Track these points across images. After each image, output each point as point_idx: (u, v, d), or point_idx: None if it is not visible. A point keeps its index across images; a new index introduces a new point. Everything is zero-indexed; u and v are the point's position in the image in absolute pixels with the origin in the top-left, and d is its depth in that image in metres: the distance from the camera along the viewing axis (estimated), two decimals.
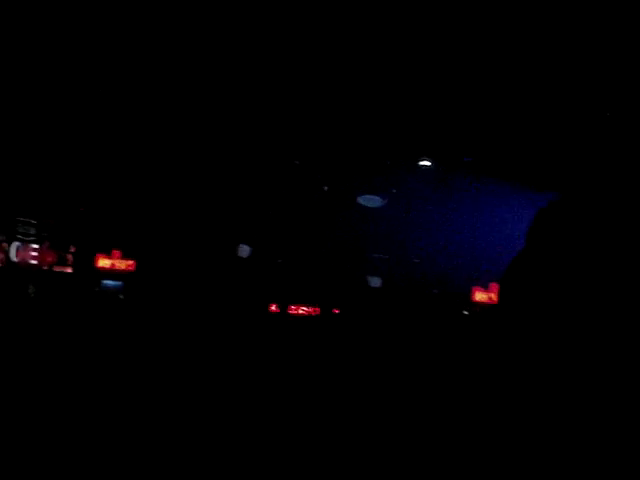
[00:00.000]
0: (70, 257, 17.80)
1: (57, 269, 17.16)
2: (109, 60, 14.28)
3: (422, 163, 19.37)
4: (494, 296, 17.89)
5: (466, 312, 18.38)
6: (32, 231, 16.09)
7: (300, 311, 18.15)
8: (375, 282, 20.17)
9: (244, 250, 19.32)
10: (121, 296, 17.75)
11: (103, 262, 18.65)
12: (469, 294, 18.42)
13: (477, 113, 15.05)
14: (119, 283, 18.55)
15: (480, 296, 18.31)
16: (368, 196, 19.94)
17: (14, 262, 15.22)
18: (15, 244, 15.38)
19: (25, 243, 15.76)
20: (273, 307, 18.50)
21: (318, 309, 18.59)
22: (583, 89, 13.02)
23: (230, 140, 18.93)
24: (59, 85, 14.96)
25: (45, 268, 16.60)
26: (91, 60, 14.21)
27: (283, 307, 17.82)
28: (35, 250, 16.16)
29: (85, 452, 3.91)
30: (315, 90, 15.09)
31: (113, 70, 14.81)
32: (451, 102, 14.84)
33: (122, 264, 18.79)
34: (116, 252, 18.82)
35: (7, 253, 15.22)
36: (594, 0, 10.72)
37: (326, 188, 20.24)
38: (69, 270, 17.71)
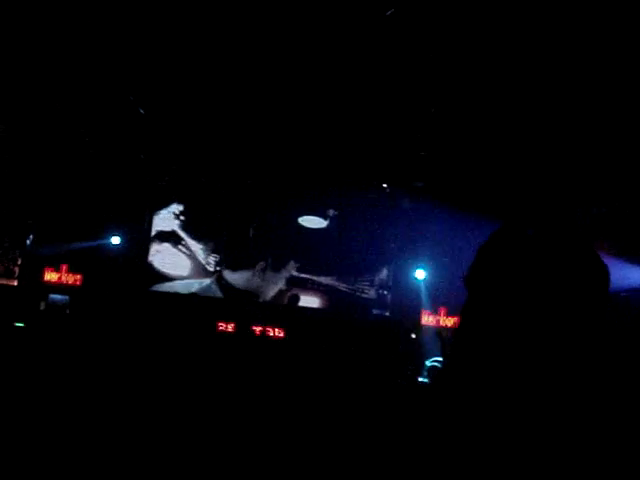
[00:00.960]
0: (16, 270, 17.52)
1: (2, 282, 16.85)
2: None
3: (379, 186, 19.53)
4: (442, 319, 18.15)
5: (414, 335, 18.56)
6: None
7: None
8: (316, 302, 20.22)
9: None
10: (67, 311, 17.48)
11: (50, 275, 18.40)
12: (418, 317, 18.61)
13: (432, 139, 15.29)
14: (66, 297, 18.28)
15: (427, 319, 18.51)
16: (310, 217, 20.02)
17: None
18: None
19: None
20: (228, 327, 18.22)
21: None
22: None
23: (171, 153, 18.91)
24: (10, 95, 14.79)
25: None
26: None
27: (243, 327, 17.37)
28: None
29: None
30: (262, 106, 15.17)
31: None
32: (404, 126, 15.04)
33: (69, 278, 18.56)
34: (64, 265, 18.59)
35: None
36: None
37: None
38: (14, 283, 17.42)
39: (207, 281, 20.01)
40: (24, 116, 15.66)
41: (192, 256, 20.11)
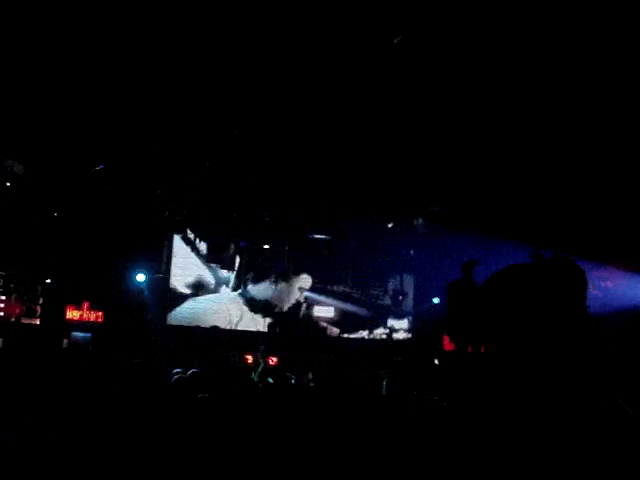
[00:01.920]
0: (38, 309, 17.65)
1: (25, 321, 16.98)
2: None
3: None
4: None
5: (437, 361, 18.43)
6: None
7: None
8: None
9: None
10: (90, 347, 17.56)
11: (72, 313, 18.53)
12: (440, 342, 18.50)
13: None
14: (88, 335, 18.40)
15: (450, 345, 18.41)
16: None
17: None
18: None
19: None
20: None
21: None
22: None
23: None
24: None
25: (12, 320, 16.41)
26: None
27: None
28: (2, 302, 15.98)
29: None
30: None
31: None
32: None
33: (91, 315, 18.68)
34: (85, 303, 18.73)
35: None
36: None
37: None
38: (37, 322, 17.54)
39: (232, 294, 20.63)
40: (44, 155, 15.86)
41: (214, 275, 20.63)
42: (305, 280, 20.61)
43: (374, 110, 13.30)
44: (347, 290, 20.70)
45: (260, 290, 20.76)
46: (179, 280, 20.59)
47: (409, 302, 20.58)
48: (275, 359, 17.95)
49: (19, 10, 10.81)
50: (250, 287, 20.75)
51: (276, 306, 20.62)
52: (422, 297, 19.89)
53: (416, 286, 20.40)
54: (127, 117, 14.59)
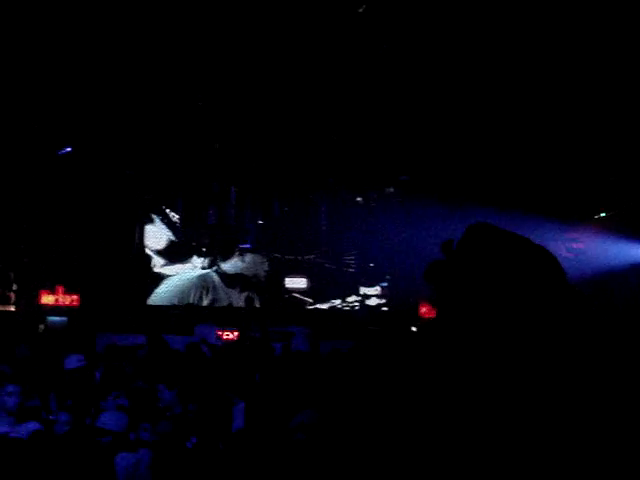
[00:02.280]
0: (12, 295, 17.51)
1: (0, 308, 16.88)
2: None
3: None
4: None
5: (414, 328, 18.56)
6: None
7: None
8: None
9: None
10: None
11: (47, 298, 18.40)
12: (416, 309, 18.62)
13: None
14: (64, 319, 18.30)
15: (424, 310, 18.53)
16: None
17: None
18: None
19: None
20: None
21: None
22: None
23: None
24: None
25: None
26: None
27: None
28: None
29: None
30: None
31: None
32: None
33: (66, 299, 18.56)
34: (59, 287, 18.60)
35: None
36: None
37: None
38: (12, 308, 17.41)
39: (206, 271, 20.74)
40: (11, 135, 15.68)
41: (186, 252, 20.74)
42: (274, 251, 20.70)
43: (345, 80, 13.29)
44: (319, 260, 20.73)
45: (231, 265, 20.83)
46: (155, 259, 20.62)
47: (380, 269, 20.60)
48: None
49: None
50: (221, 264, 20.81)
51: (251, 278, 20.67)
52: (395, 264, 19.94)
53: (388, 253, 20.39)
54: (97, 97, 14.46)
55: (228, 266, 20.83)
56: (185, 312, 18.99)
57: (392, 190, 19.02)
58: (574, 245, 15.90)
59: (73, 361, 7.37)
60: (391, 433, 1.87)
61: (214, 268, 20.78)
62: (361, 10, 11.16)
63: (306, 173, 18.69)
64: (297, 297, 20.69)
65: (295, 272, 20.69)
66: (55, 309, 18.45)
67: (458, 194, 15.88)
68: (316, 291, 20.58)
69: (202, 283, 20.69)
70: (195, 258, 20.88)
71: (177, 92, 14.40)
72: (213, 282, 20.73)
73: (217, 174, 19.44)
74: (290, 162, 17.94)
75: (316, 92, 13.86)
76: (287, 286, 20.61)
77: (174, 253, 20.79)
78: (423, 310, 18.49)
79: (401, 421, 1.85)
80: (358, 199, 19.68)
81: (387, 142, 15.91)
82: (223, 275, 20.79)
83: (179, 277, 20.67)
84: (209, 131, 16.43)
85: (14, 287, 17.64)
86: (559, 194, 15.18)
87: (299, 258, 20.69)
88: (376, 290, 20.74)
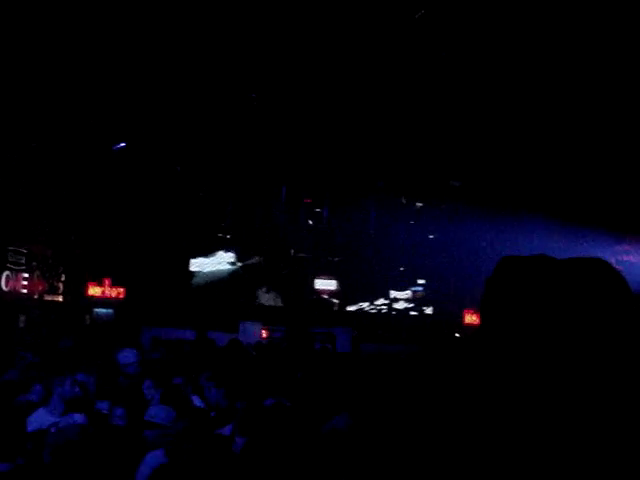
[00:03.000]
0: (60, 285, 17.77)
1: (48, 298, 17.12)
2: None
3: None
4: None
5: (458, 335, 18.44)
6: (22, 260, 16.05)
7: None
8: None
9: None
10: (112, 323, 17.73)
11: (94, 290, 18.65)
12: (461, 317, 18.48)
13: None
14: (110, 311, 18.55)
15: (470, 318, 18.36)
16: None
17: (4, 291, 15.16)
18: (5, 273, 15.33)
19: (15, 272, 15.72)
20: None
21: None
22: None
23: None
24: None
25: (35, 297, 16.56)
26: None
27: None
28: (25, 279, 16.12)
29: None
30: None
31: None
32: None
33: (112, 291, 18.80)
34: (106, 280, 18.84)
35: None
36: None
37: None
38: (59, 299, 17.67)
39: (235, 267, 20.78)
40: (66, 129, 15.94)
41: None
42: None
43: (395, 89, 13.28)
44: (350, 262, 20.58)
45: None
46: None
47: (414, 272, 20.41)
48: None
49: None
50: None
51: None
52: (436, 274, 19.79)
53: (429, 257, 20.22)
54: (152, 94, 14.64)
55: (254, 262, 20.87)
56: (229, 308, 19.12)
57: (442, 195, 18.87)
58: (624, 257, 15.63)
59: (129, 356, 7.35)
60: (429, 447, 1.86)
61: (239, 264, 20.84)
62: (418, 16, 11.13)
63: (357, 176, 18.64)
64: (326, 298, 20.60)
65: (325, 273, 20.60)
66: (102, 301, 18.71)
67: (508, 205, 15.70)
68: (345, 293, 20.42)
69: (233, 279, 20.78)
70: (222, 253, 20.91)
71: (232, 89, 14.50)
72: (245, 279, 20.80)
73: (269, 173, 19.51)
74: (342, 164, 17.93)
75: (372, 97, 13.85)
76: (316, 287, 20.50)
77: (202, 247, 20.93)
78: (468, 318, 18.34)
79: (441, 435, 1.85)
80: (404, 201, 19.58)
81: (440, 148, 15.81)
82: (252, 272, 20.83)
83: (210, 272, 20.77)
84: (263, 132, 16.50)
85: (62, 278, 17.90)
86: (609, 206, 14.94)
87: (328, 258, 20.57)
88: (407, 294, 20.55)
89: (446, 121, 14.44)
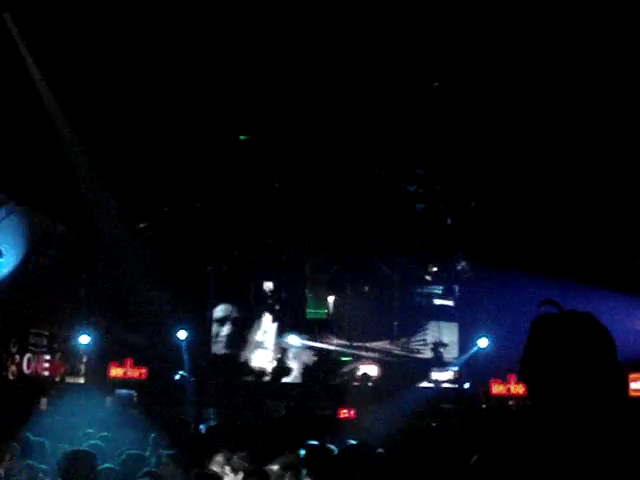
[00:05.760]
0: (82, 367, 17.68)
1: (69, 380, 17.00)
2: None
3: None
4: (513, 387, 17.61)
5: (484, 406, 18.07)
6: (44, 342, 16.03)
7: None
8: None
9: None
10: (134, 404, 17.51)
11: (115, 371, 18.50)
12: (488, 387, 18.11)
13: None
14: (132, 392, 18.35)
15: (497, 389, 17.99)
16: None
17: (26, 374, 15.10)
18: (27, 356, 15.29)
19: (37, 354, 15.68)
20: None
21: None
22: None
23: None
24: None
25: (57, 379, 16.46)
26: None
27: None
28: (47, 361, 16.06)
29: None
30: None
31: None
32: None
33: (134, 372, 18.63)
34: (128, 360, 18.70)
35: (19, 365, 15.11)
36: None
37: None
38: (81, 380, 17.55)
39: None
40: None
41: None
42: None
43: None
44: (387, 347, 20.39)
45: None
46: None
47: (451, 352, 20.19)
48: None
49: None
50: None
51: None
52: (466, 344, 19.54)
53: (460, 334, 20.03)
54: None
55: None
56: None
57: (463, 264, 18.74)
58: None
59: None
60: None
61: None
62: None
63: (377, 248, 18.57)
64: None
65: (365, 359, 20.37)
66: (123, 382, 18.53)
67: (533, 266, 15.56)
68: (386, 377, 20.01)
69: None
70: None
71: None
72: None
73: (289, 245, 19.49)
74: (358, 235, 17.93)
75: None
76: (361, 372, 20.17)
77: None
78: (495, 388, 17.97)
79: None
80: (434, 269, 19.50)
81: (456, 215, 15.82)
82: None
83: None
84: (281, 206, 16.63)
85: (84, 359, 17.83)
86: (634, 269, 14.80)
87: (367, 344, 20.38)
88: (449, 375, 20.18)
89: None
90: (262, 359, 20.78)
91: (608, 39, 10.10)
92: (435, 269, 19.70)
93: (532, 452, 1.80)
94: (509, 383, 17.65)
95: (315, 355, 20.56)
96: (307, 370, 20.51)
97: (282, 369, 20.51)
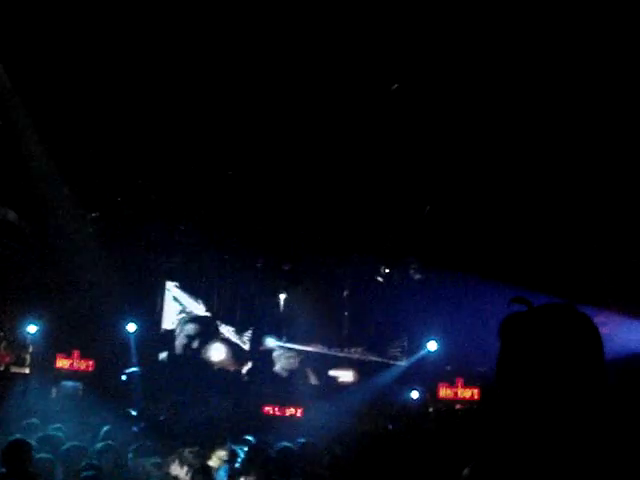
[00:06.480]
0: (28, 357, 17.38)
1: (14, 370, 16.70)
2: None
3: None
4: (460, 391, 17.77)
5: (431, 409, 18.20)
6: None
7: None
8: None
9: None
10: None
11: (62, 362, 18.19)
12: (435, 390, 18.24)
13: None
14: (77, 384, 18.09)
15: (445, 392, 18.12)
16: None
17: None
18: None
19: None
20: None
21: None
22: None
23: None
24: None
25: (1, 369, 16.16)
26: None
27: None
28: None
29: None
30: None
31: None
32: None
33: (81, 364, 18.35)
34: (75, 352, 18.41)
35: None
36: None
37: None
38: (27, 371, 17.25)
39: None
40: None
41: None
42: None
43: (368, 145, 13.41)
44: (363, 356, 20.26)
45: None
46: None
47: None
48: None
49: None
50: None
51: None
52: (415, 346, 19.59)
53: (409, 335, 20.04)
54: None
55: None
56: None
57: (416, 267, 18.82)
58: (603, 330, 15.61)
59: None
60: None
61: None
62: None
63: (330, 250, 18.52)
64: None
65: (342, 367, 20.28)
66: (70, 373, 18.24)
67: (482, 272, 15.71)
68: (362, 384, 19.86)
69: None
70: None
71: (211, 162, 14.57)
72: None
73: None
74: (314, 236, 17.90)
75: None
76: (339, 380, 20.12)
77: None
78: (442, 392, 18.10)
79: None
80: (386, 270, 19.53)
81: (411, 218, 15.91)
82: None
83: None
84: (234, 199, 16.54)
85: (30, 349, 17.54)
86: (586, 277, 15.02)
87: (345, 350, 20.27)
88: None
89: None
90: (215, 355, 20.63)
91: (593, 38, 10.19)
92: (387, 270, 19.73)
93: (528, 460, 1.70)
94: (456, 387, 17.82)
95: (266, 353, 20.50)
96: (257, 367, 20.44)
97: (234, 365, 20.44)
